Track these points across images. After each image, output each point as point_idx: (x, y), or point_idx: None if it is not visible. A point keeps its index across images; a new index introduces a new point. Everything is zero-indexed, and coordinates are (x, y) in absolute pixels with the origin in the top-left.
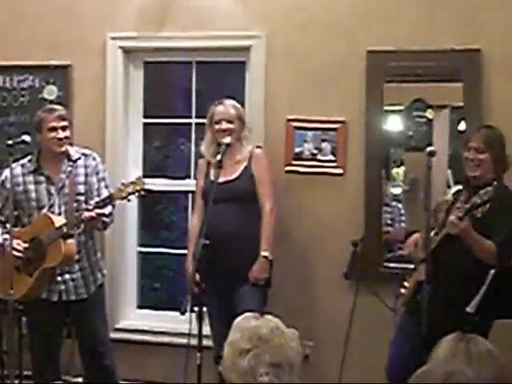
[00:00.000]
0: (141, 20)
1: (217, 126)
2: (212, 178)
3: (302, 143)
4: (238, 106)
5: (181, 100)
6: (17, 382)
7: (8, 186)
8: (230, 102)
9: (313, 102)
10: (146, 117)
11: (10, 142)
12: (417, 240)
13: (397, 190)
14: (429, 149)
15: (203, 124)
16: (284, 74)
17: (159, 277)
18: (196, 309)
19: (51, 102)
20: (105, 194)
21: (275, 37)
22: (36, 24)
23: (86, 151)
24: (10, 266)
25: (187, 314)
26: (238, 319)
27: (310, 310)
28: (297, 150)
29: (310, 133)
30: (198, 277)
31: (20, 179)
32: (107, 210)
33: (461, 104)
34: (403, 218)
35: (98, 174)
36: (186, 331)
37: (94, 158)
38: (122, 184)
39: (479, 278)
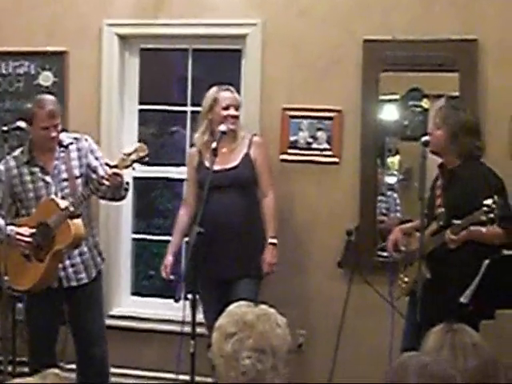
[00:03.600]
0: (137, 7)
1: (225, 112)
2: (208, 164)
3: (297, 132)
4: None
5: (177, 87)
6: (10, 367)
7: (3, 178)
8: (232, 89)
9: (309, 90)
10: (141, 103)
11: (5, 128)
12: (396, 239)
13: (392, 180)
14: (424, 139)
15: (199, 112)
16: (280, 62)
17: (153, 264)
18: (190, 296)
19: (46, 88)
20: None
21: (272, 25)
22: (32, 10)
23: (77, 135)
24: (2, 252)
25: (181, 302)
26: (231, 306)
27: (304, 299)
28: (292, 138)
29: (305, 121)
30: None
31: (15, 171)
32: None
33: (457, 94)
34: (398, 208)
35: (92, 152)
36: (180, 318)
37: (86, 139)
38: (124, 154)
39: (474, 267)
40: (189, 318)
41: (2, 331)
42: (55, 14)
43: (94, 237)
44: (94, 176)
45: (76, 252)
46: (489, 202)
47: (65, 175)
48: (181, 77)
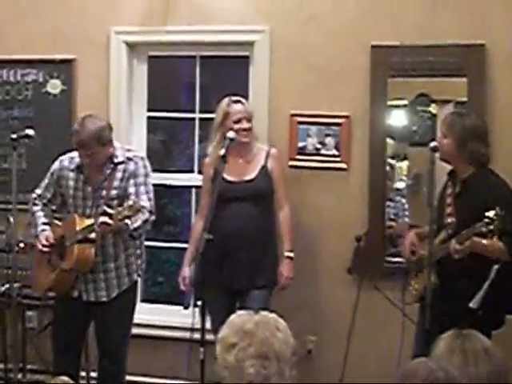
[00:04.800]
0: (145, 14)
1: (237, 126)
2: (226, 176)
3: (305, 138)
4: None
5: (185, 94)
6: (20, 375)
7: (55, 177)
8: (244, 100)
9: (317, 96)
10: (149, 110)
11: (13, 135)
12: (413, 242)
13: (400, 185)
14: (432, 144)
15: (207, 119)
16: (288, 68)
17: (163, 271)
18: (199, 303)
19: (55, 96)
20: (143, 200)
21: (279, 31)
22: (40, 18)
23: (131, 154)
24: (14, 259)
25: (190, 309)
26: (232, 316)
27: (314, 305)
28: (300, 144)
29: (313, 127)
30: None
31: (65, 173)
32: (136, 223)
33: (465, 99)
34: (407, 213)
35: (136, 177)
36: (190, 325)
37: (136, 163)
38: (121, 206)
39: (483, 273)
40: (198, 325)
41: (12, 339)
42: (63, 21)
43: (128, 256)
44: (128, 202)
45: (101, 268)
46: (490, 214)
47: (103, 193)
48: (189, 84)
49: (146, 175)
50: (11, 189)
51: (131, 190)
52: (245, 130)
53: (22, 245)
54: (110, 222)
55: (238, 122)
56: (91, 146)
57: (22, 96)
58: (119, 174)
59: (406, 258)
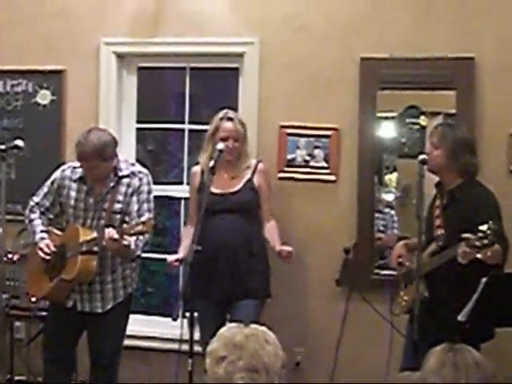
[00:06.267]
0: (135, 25)
1: (222, 143)
2: (211, 188)
3: (294, 150)
4: (243, 120)
5: (174, 105)
6: None
7: (55, 185)
8: (238, 118)
9: (306, 108)
10: (139, 122)
11: (2, 146)
12: (400, 253)
13: (389, 197)
14: (421, 157)
15: (196, 130)
16: (277, 80)
17: (151, 282)
18: (188, 314)
19: (44, 106)
20: (146, 217)
21: (269, 43)
22: (30, 28)
23: (136, 169)
24: (3, 270)
25: (179, 320)
26: (221, 329)
27: (302, 317)
28: (289, 156)
29: (302, 139)
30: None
31: (66, 182)
32: (139, 249)
33: (454, 111)
34: (395, 225)
35: (139, 194)
36: (178, 337)
37: (140, 179)
38: (133, 222)
39: (472, 286)
40: (186, 336)
41: (0, 350)
42: (53, 32)
43: (125, 270)
44: (126, 218)
45: (97, 279)
46: (484, 227)
47: (106, 206)
48: (178, 95)
49: (149, 192)
50: (0, 199)
51: (134, 206)
52: (230, 148)
53: (10, 255)
54: (118, 237)
55: (224, 139)
56: (91, 160)
57: (11, 106)
58: (123, 188)
59: (398, 271)
